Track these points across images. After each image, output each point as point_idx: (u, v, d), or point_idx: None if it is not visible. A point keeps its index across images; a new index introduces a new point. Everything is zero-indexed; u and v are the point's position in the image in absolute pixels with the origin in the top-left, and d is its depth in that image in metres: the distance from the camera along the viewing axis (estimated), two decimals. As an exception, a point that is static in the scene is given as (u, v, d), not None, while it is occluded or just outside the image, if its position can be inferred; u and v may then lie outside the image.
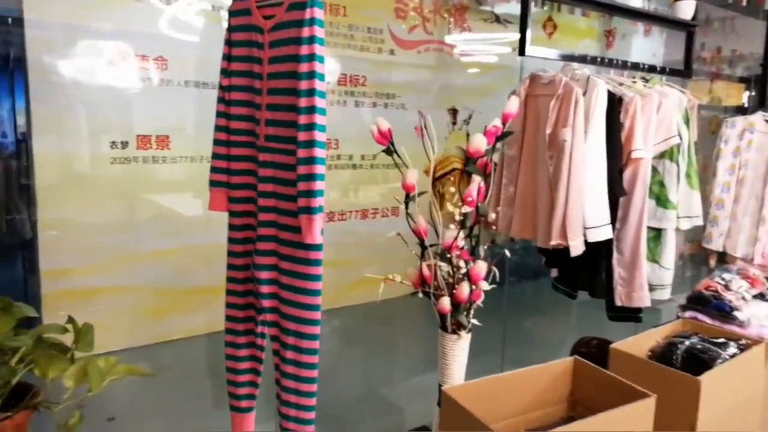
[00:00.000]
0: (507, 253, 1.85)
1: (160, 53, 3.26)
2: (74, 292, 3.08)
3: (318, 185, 1.37)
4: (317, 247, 1.45)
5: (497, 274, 1.87)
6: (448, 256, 1.74)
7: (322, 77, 1.36)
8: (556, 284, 2.59)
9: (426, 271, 1.83)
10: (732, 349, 2.18)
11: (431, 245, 1.86)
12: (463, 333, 1.84)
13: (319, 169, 1.36)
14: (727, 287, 2.41)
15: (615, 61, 2.37)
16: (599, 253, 2.20)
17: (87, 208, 3.12)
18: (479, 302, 1.83)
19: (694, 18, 2.64)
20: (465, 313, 1.80)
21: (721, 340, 2.24)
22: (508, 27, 4.57)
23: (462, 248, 1.77)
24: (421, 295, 1.85)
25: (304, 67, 1.35)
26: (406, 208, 1.87)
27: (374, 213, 4.32)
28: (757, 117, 3.27)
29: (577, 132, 1.98)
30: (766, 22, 3.22)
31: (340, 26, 4.03)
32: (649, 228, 2.47)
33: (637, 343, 2.34)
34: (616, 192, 2.10)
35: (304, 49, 1.35)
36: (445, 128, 4.52)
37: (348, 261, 4.12)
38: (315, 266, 1.46)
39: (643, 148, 2.19)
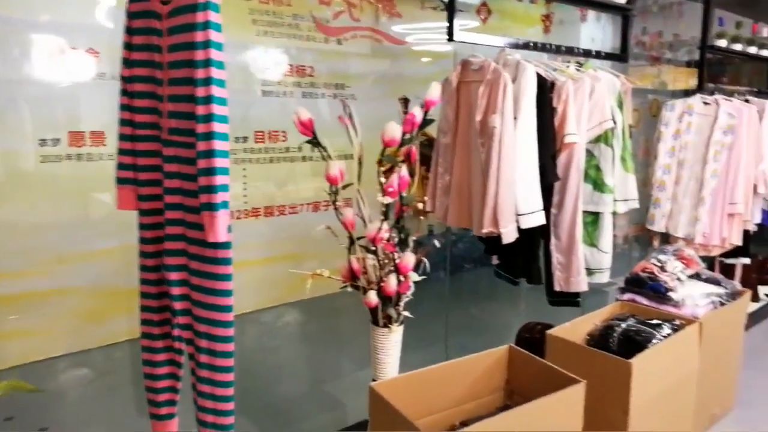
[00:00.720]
0: (436, 243, 1.82)
1: (93, 45, 3.12)
2: (8, 298, 2.94)
3: (219, 180, 1.30)
4: (225, 245, 1.38)
5: (428, 265, 1.84)
6: (373, 248, 1.69)
7: (220, 65, 1.29)
8: (497, 271, 2.58)
9: (355, 265, 1.79)
10: (666, 329, 2.20)
11: (359, 238, 1.82)
12: (394, 326, 1.80)
13: (220, 162, 1.29)
14: (662, 269, 2.44)
15: (549, 46, 2.35)
16: (534, 239, 2.19)
17: (19, 208, 2.97)
18: (409, 294, 1.80)
19: (629, 2, 2.64)
20: (395, 305, 1.76)
21: (656, 321, 2.27)
22: (458, 14, 4.53)
23: (388, 240, 1.74)
24: (350, 289, 1.81)
25: (199, 55, 1.28)
26: (333, 201, 1.82)
27: (326, 205, 4.26)
28: (696, 100, 3.32)
29: (507, 118, 1.95)
30: (703, 6, 3.25)
31: (284, 16, 3.92)
32: (587, 212, 2.47)
33: (576, 328, 2.35)
34: (549, 178, 2.09)
35: (199, 36, 1.27)
36: (397, 118, 4.46)
37: (301, 254, 4.05)
38: (224, 265, 1.39)
39: (576, 132, 2.18)
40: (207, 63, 1.27)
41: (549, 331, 2.12)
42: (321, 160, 4.35)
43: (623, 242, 3.59)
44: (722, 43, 3.33)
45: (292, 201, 4.14)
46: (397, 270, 1.72)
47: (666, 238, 3.53)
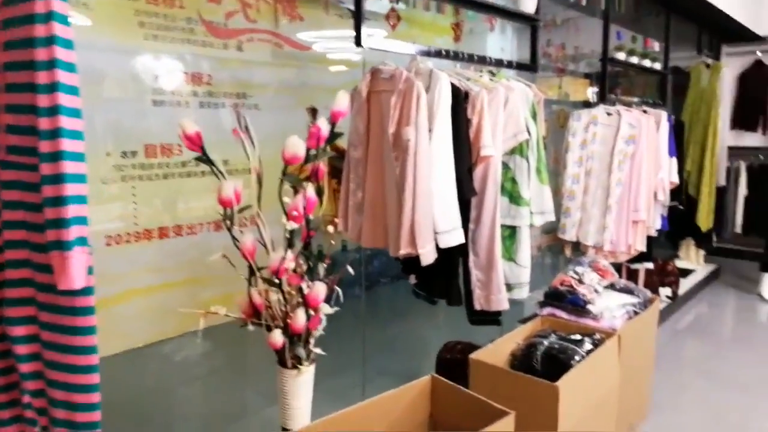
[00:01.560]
0: (350, 270, 1.63)
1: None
2: None
3: (72, 211, 1.03)
4: (85, 291, 1.10)
5: (341, 294, 1.65)
6: (277, 281, 1.47)
7: (70, 67, 1.03)
8: (415, 291, 2.43)
9: (257, 299, 1.55)
10: (587, 344, 2.15)
11: (261, 268, 1.59)
12: (304, 366, 1.58)
13: (72, 188, 1.02)
14: (580, 281, 2.40)
15: (461, 55, 2.25)
16: (453, 257, 2.07)
17: None
18: (320, 329, 1.59)
19: (537, 12, 2.61)
20: (304, 343, 1.55)
21: (578, 336, 2.22)
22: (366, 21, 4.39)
23: (295, 271, 1.52)
24: (251, 327, 1.57)
25: (41, 54, 1.00)
26: (228, 226, 1.58)
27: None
28: (600, 110, 3.39)
29: (421, 130, 1.81)
30: (603, 21, 3.34)
31: (177, 19, 3.58)
32: (504, 226, 2.39)
33: (499, 348, 2.25)
34: (465, 193, 1.97)
35: (40, 30, 1.00)
36: (305, 130, 4.24)
37: (203, 279, 3.69)
38: (84, 316, 1.11)
39: (491, 145, 2.08)
40: (52, 65, 1.00)
41: (472, 355, 2.00)
42: (227, 174, 4.00)
43: (537, 252, 3.60)
44: (621, 56, 3.44)
45: (191, 221, 3.77)
46: (306, 303, 1.51)
47: (578, 246, 3.58)
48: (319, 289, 1.51)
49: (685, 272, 4.91)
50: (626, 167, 3.38)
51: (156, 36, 3.48)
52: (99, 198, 3.28)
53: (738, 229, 5.69)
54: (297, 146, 1.33)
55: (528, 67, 2.63)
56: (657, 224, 3.72)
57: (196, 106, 3.73)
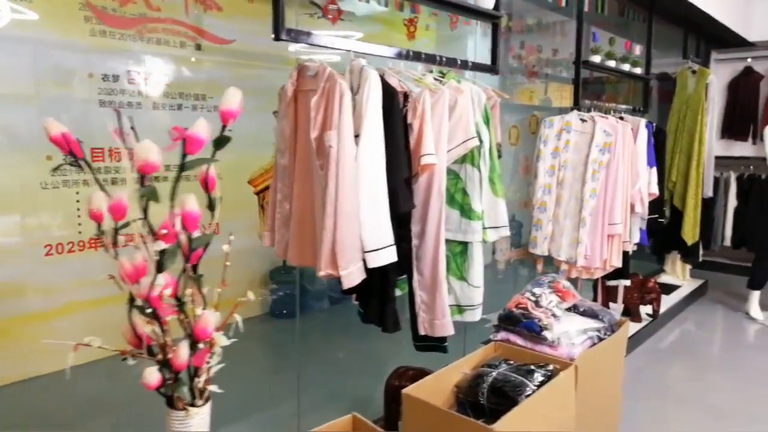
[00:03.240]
0: (250, 296, 1.41)
1: None
2: None
3: None
4: None
5: (240, 323, 1.43)
6: (149, 310, 1.25)
7: None
8: (360, 312, 2.22)
9: (141, 329, 1.34)
10: (539, 376, 1.93)
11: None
12: (194, 409, 1.36)
13: None
14: (537, 303, 2.18)
15: (406, 53, 2.04)
16: (387, 279, 1.85)
17: None
18: (214, 362, 1.37)
19: (497, 9, 2.41)
20: (191, 382, 1.33)
21: (531, 366, 2.01)
22: (300, 11, 4.15)
23: (180, 301, 1.30)
24: (131, 361, 1.35)
25: None
26: (112, 243, 1.37)
27: (188, 231, 3.73)
28: (573, 116, 3.19)
29: (345, 135, 1.59)
30: (576, 22, 3.14)
31: (129, 14, 3.38)
32: (455, 242, 2.18)
33: (442, 379, 2.03)
34: (401, 205, 1.76)
35: None
36: (272, 133, 4.03)
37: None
38: None
39: (434, 152, 1.87)
40: None
41: (405, 390, 1.78)
42: (172, 182, 3.83)
43: (506, 267, 3.38)
44: (596, 59, 3.23)
45: (140, 230, 3.56)
46: (193, 336, 1.29)
47: (551, 260, 3.37)
48: (209, 319, 1.29)
49: (670, 288, 4.70)
50: (601, 177, 3.17)
51: (105, 32, 3.28)
52: (37, 204, 3.06)
53: (727, 242, 5.48)
54: (148, 151, 1.12)
55: (488, 69, 2.42)
56: (635, 238, 3.51)
57: (149, 107, 3.53)
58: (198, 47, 3.70)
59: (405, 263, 1.96)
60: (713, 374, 3.32)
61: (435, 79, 2.08)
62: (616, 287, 3.70)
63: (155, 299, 1.22)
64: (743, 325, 4.24)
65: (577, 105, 3.16)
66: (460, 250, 2.19)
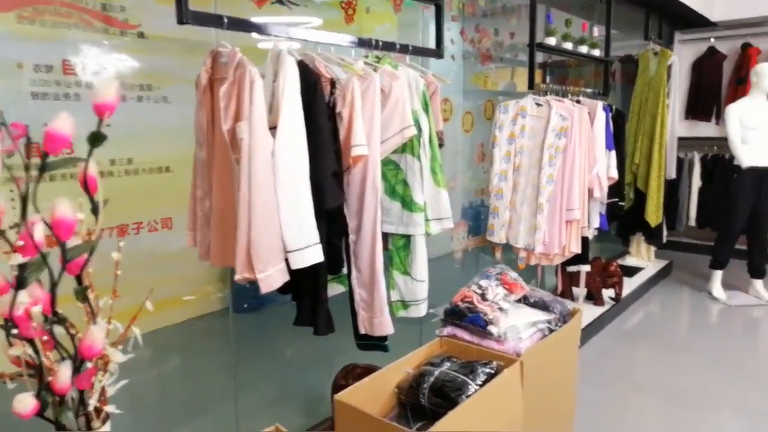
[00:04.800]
0: (148, 304, 1.30)
1: None
2: None
3: None
4: None
5: (139, 336, 1.32)
6: (14, 331, 1.13)
7: None
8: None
9: (12, 352, 1.21)
10: (482, 374, 1.86)
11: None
12: None
13: None
14: (483, 296, 2.11)
15: (358, 39, 1.92)
16: (318, 279, 1.75)
17: None
18: (108, 383, 1.26)
19: (441, -11, 2.29)
20: (78, 407, 1.21)
21: (475, 363, 1.93)
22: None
23: (54, 315, 1.18)
24: (10, 385, 1.23)
25: None
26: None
27: (136, 228, 3.57)
28: (528, 101, 3.10)
29: (257, 126, 1.48)
30: (530, 3, 3.03)
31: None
32: (398, 235, 2.09)
33: (384, 379, 1.94)
34: (327, 201, 1.65)
35: None
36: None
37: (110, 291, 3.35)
38: None
39: (365, 143, 1.77)
40: None
41: (338, 396, 1.69)
42: (123, 176, 3.61)
43: (463, 256, 3.31)
44: (552, 41, 3.14)
45: (86, 227, 3.40)
46: (77, 356, 1.17)
47: (510, 248, 3.30)
48: (94, 335, 1.17)
49: (634, 270, 4.69)
50: (558, 162, 3.10)
51: (34, 19, 3.08)
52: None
53: (692, 222, 5.50)
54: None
55: (431, 53, 2.31)
56: (594, 223, 3.46)
57: (87, 99, 3.34)
58: (141, 35, 3.51)
59: (338, 260, 1.86)
60: (674, 356, 3.31)
61: (368, 64, 1.96)
62: (578, 273, 3.66)
63: (20, 318, 1.10)
64: (706, 305, 4.24)
65: (531, 88, 3.07)
66: (402, 244, 2.10)
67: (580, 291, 3.82)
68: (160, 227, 3.64)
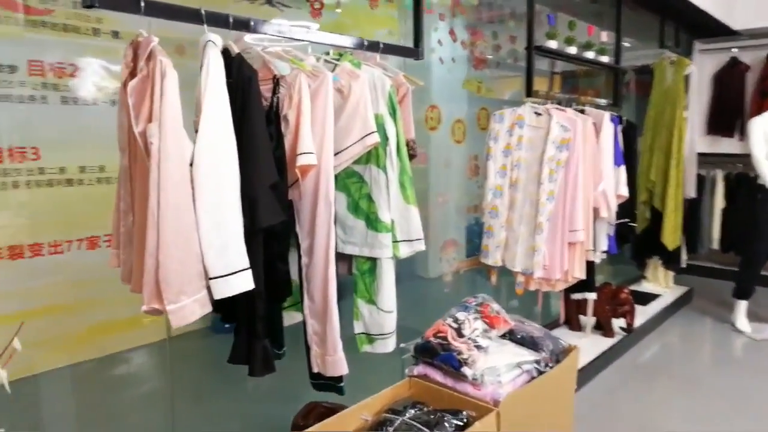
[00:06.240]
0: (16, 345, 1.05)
1: None
2: None
3: None
4: None
5: (6, 384, 1.07)
6: None
7: None
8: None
9: None
10: (450, 428, 1.57)
11: None
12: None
13: None
14: (459, 332, 1.82)
15: (287, 31, 1.67)
16: (253, 310, 1.48)
17: None
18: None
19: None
20: None
21: (443, 413, 1.64)
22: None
23: None
24: None
25: None
26: None
27: (109, 239, 3.36)
28: (526, 109, 2.82)
29: (167, 129, 1.23)
30: (527, 1, 2.77)
31: (30, -1, 3.01)
32: (362, 258, 1.82)
33: (342, 424, 1.67)
34: (260, 219, 1.39)
35: None
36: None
37: (74, 305, 3.15)
38: None
39: (313, 151, 1.51)
40: None
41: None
42: (95, 184, 3.39)
43: (453, 280, 3.01)
44: (553, 44, 2.86)
45: (55, 237, 3.20)
46: None
47: (509, 271, 3.00)
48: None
49: (650, 297, 4.33)
50: (559, 177, 2.80)
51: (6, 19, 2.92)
52: None
53: (715, 245, 5.11)
54: None
55: (408, 53, 2.05)
56: (602, 246, 3.14)
57: (56, 101, 3.17)
58: (115, 34, 3.34)
59: (283, 286, 1.60)
60: (691, 397, 2.95)
61: (328, 62, 1.71)
62: (585, 300, 3.33)
63: None
64: (729, 338, 3.86)
65: (529, 95, 2.79)
66: (368, 268, 1.82)
67: (588, 320, 3.49)
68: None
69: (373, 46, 1.87)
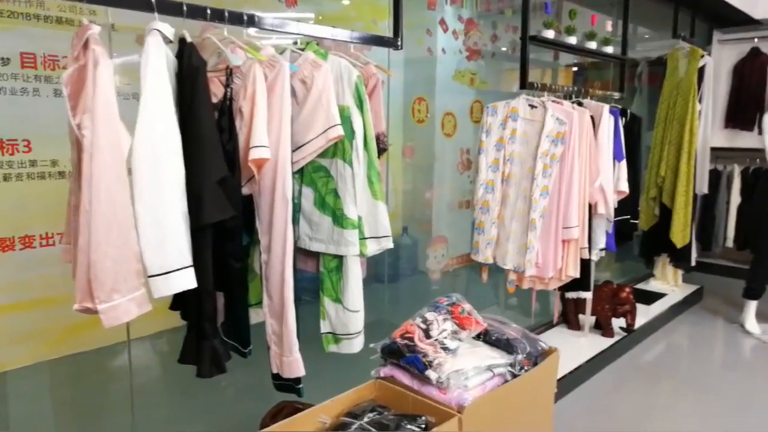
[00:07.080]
0: None
1: None
2: None
3: None
4: None
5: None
6: None
7: None
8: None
9: None
10: (407, 434, 1.51)
11: None
12: None
13: None
14: (427, 333, 1.75)
15: (256, 20, 1.61)
16: (202, 309, 1.43)
17: None
18: None
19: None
20: None
21: (402, 419, 1.58)
22: None
23: None
24: None
25: None
26: None
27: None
28: (520, 102, 2.71)
29: (99, 120, 1.18)
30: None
31: (20, -14, 3.00)
32: (329, 255, 1.76)
33: (301, 424, 1.63)
34: (204, 215, 1.33)
35: None
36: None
37: (63, 297, 3.15)
38: None
39: (266, 144, 1.45)
40: None
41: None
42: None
43: (442, 278, 2.94)
44: (550, 34, 2.74)
45: (46, 229, 3.21)
46: None
47: (501, 269, 2.91)
48: None
49: (655, 296, 4.19)
50: (554, 173, 2.70)
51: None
52: None
53: (729, 242, 4.93)
54: None
55: (386, 43, 1.97)
56: (599, 243, 3.03)
57: (50, 93, 3.17)
58: (112, 27, 3.31)
59: (237, 285, 1.55)
60: (694, 400, 2.84)
61: (294, 52, 1.65)
62: (584, 300, 3.22)
63: None
64: (737, 339, 3.71)
65: (524, 87, 2.68)
66: (335, 266, 1.77)
67: (587, 319, 3.38)
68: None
69: (343, 35, 1.80)
